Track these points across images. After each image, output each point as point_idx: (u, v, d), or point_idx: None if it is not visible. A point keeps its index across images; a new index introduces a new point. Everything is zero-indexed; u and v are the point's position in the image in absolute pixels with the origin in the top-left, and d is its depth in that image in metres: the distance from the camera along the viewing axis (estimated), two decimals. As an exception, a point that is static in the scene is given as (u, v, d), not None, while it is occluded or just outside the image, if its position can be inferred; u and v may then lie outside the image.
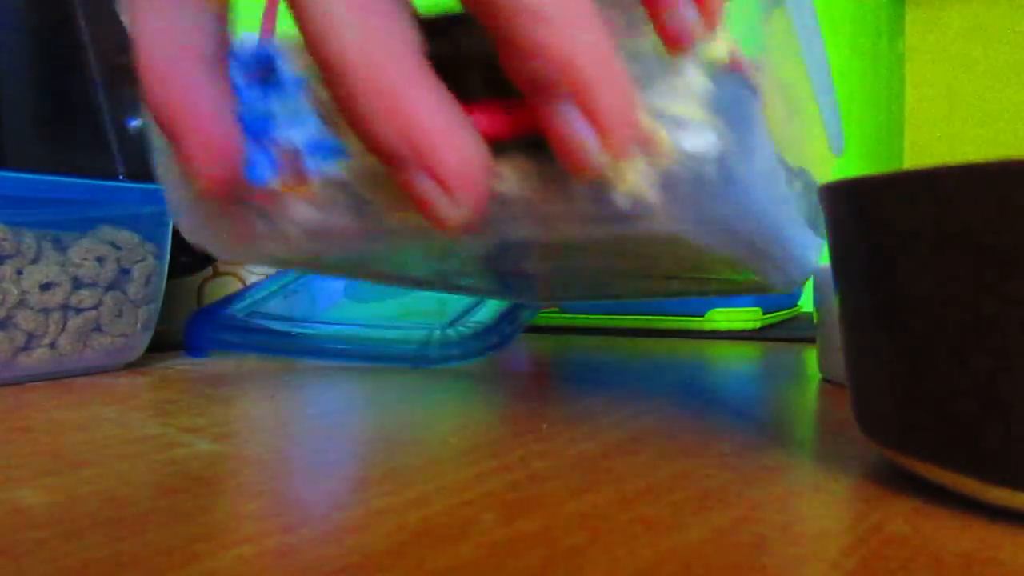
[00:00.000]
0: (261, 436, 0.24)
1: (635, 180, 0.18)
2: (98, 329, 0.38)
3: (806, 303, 0.78)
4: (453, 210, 0.17)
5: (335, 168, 0.20)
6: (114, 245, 0.39)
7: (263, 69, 0.21)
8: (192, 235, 0.22)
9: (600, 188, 0.18)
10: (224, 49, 0.20)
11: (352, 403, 0.30)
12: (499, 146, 0.18)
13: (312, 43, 0.17)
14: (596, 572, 0.14)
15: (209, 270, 0.54)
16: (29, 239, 0.35)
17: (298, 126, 0.20)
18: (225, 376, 0.38)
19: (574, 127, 0.17)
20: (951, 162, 0.16)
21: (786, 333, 0.57)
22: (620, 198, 0.18)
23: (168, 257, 0.42)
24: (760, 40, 0.20)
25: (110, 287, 0.39)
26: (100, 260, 0.38)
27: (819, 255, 0.26)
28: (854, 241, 0.19)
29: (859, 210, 0.18)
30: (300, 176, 0.20)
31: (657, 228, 0.18)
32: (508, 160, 0.18)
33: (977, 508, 0.17)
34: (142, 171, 0.44)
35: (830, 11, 1.03)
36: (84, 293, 0.37)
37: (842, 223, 0.19)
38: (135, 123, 0.47)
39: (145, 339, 0.41)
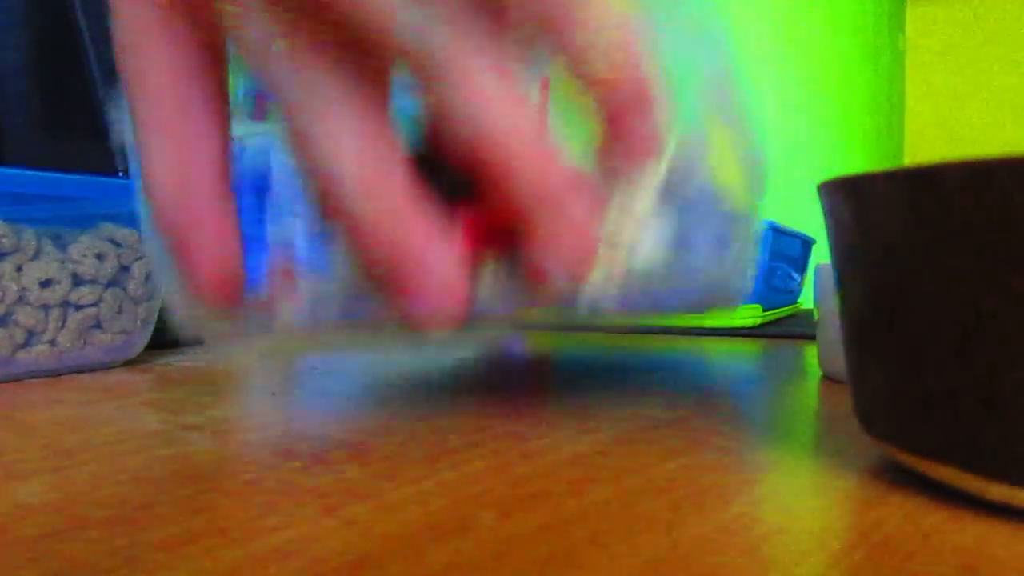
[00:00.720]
0: (262, 433, 0.24)
1: (594, 286, 0.20)
2: (98, 326, 0.38)
3: (806, 300, 0.78)
4: (433, 322, 0.19)
5: (324, 277, 0.22)
6: (114, 242, 0.39)
7: (260, 183, 0.22)
8: (190, 327, 0.23)
9: (564, 292, 0.20)
10: (227, 166, 0.20)
11: (352, 399, 0.30)
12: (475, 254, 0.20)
13: (311, 166, 0.18)
14: (596, 569, 0.14)
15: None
16: (29, 236, 0.35)
17: (289, 239, 0.22)
18: (226, 373, 0.38)
19: (544, 252, 0.19)
20: (952, 159, 0.16)
21: (786, 330, 0.57)
22: (581, 300, 0.20)
23: (168, 254, 0.42)
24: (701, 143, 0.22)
25: (110, 284, 0.39)
26: (100, 257, 0.38)
27: (749, 282, 0.28)
28: (854, 238, 0.19)
29: (859, 207, 0.18)
30: (291, 284, 0.22)
31: (615, 320, 0.20)
32: (484, 268, 0.21)
33: (977, 505, 0.17)
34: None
35: (831, 6, 1.03)
36: (84, 290, 0.37)
37: (842, 220, 0.19)
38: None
39: (145, 336, 0.41)
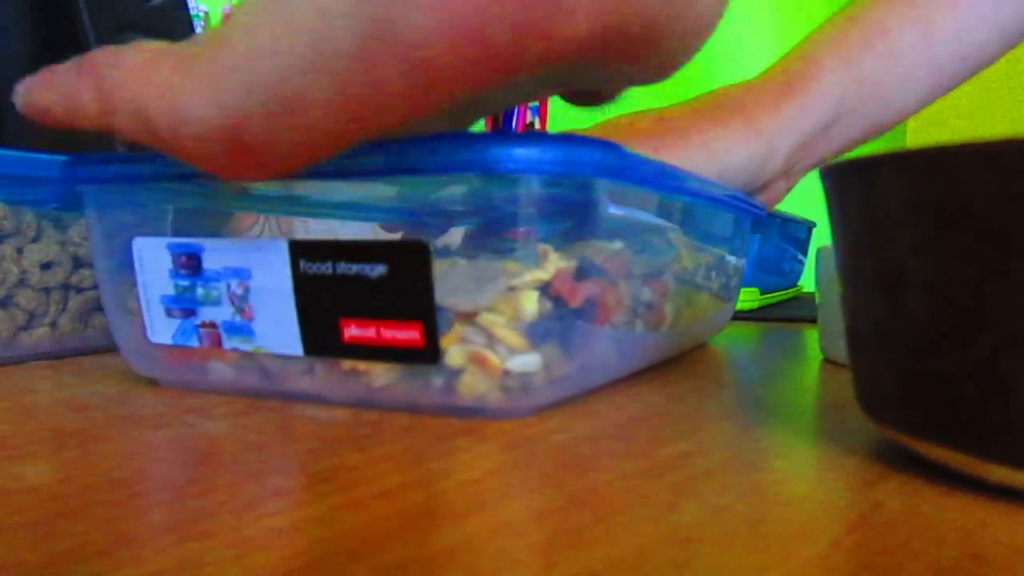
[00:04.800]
0: (263, 415, 0.24)
1: (474, 385, 0.23)
2: (99, 309, 0.38)
3: (807, 283, 0.78)
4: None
5: (245, 344, 0.26)
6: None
7: (193, 262, 0.26)
8: (143, 372, 0.29)
9: (451, 388, 0.24)
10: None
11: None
12: (373, 352, 0.24)
13: None
14: (597, 551, 0.14)
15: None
16: (29, 218, 0.35)
17: (216, 309, 0.26)
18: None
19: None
20: (953, 141, 0.16)
21: (787, 313, 0.57)
22: (465, 397, 0.23)
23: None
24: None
25: (111, 266, 0.39)
26: (100, 239, 0.38)
27: None
28: (857, 221, 0.19)
29: (862, 190, 0.18)
30: (217, 345, 0.26)
31: (498, 415, 0.24)
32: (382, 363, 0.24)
33: (978, 487, 0.17)
34: (141, 150, 0.44)
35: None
36: (85, 272, 0.37)
37: (845, 203, 0.19)
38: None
39: (146, 319, 0.41)
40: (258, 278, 0.25)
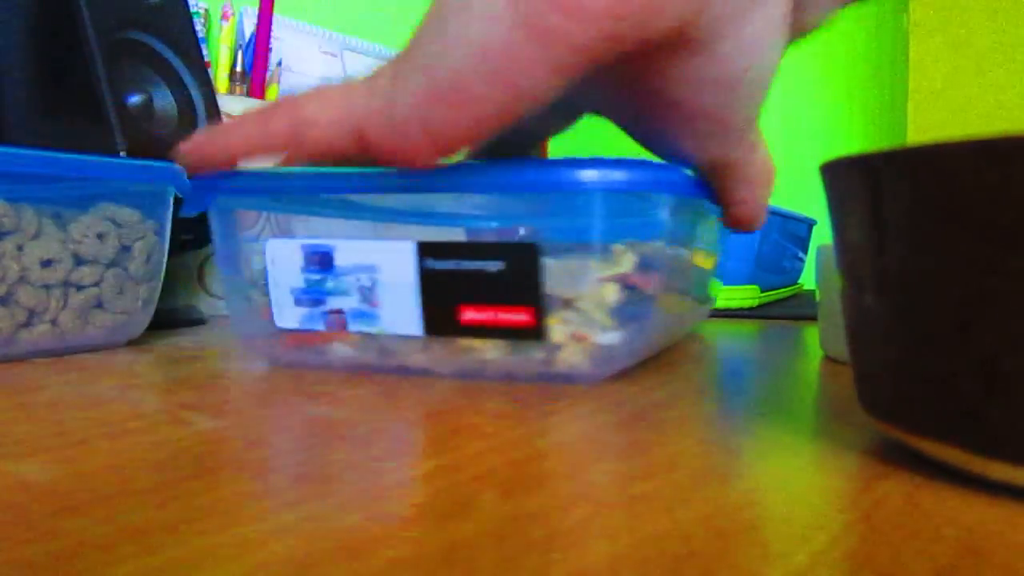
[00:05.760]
0: (263, 413, 0.24)
1: (570, 356, 0.29)
2: (99, 306, 0.38)
3: (807, 280, 0.78)
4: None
5: (369, 327, 0.31)
6: (115, 222, 0.38)
7: (322, 259, 0.31)
8: (260, 354, 0.35)
9: (550, 359, 0.29)
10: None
11: (354, 379, 0.30)
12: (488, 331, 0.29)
13: None
14: (597, 548, 0.14)
15: (210, 247, 0.54)
16: (29, 215, 0.35)
17: (344, 298, 0.31)
18: (227, 354, 0.38)
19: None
20: (953, 138, 0.15)
21: (787, 311, 0.57)
22: (561, 367, 0.29)
23: (169, 234, 0.42)
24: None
25: (111, 264, 0.39)
26: (101, 237, 0.38)
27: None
28: (856, 218, 0.19)
29: (862, 186, 0.18)
30: (343, 330, 0.31)
31: (583, 381, 0.30)
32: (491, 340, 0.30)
33: (978, 484, 0.17)
34: (142, 148, 0.44)
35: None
36: (85, 270, 0.37)
37: (845, 200, 0.19)
38: (135, 99, 0.47)
39: (146, 316, 0.41)
40: (386, 273, 0.30)
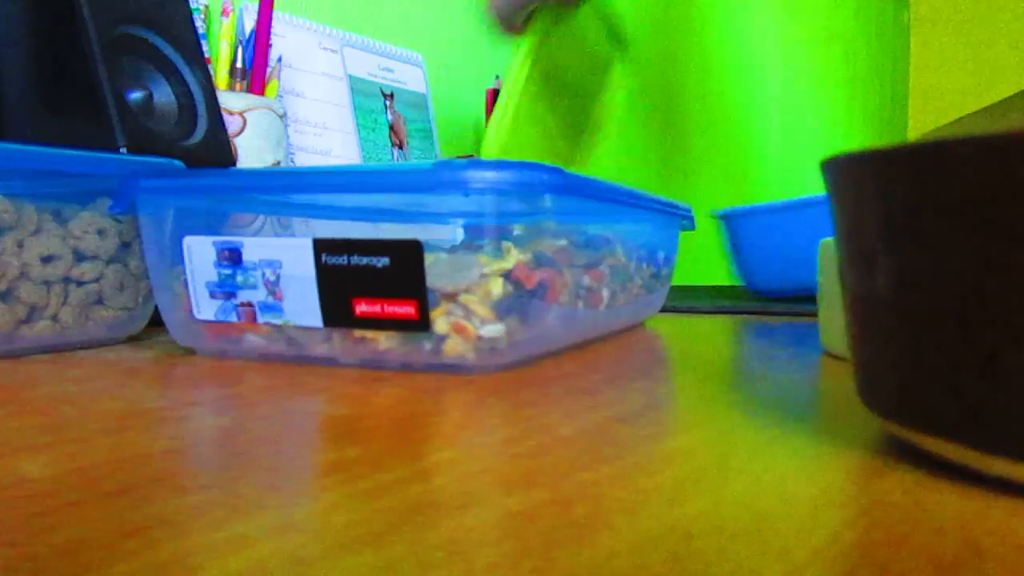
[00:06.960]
0: (263, 408, 0.24)
1: (455, 348, 0.31)
2: (100, 302, 0.38)
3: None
4: None
5: (276, 319, 0.33)
6: (115, 218, 0.38)
7: (234, 255, 0.33)
8: (186, 344, 0.37)
9: (438, 349, 0.31)
10: None
11: (354, 374, 0.30)
12: (378, 323, 0.31)
13: None
14: (598, 544, 0.14)
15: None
16: (30, 211, 0.35)
17: (252, 292, 0.33)
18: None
19: None
20: (955, 134, 0.15)
21: (787, 307, 0.56)
22: (448, 357, 0.31)
23: (169, 230, 0.42)
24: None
25: (111, 260, 0.39)
26: (101, 233, 0.38)
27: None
28: (857, 214, 0.19)
29: (863, 183, 0.18)
30: (253, 321, 0.34)
31: (472, 372, 0.31)
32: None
33: (978, 480, 0.17)
34: (142, 144, 0.44)
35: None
36: (85, 266, 0.37)
37: (845, 196, 0.19)
38: (135, 95, 0.47)
39: (147, 312, 0.41)
40: (288, 267, 0.32)
